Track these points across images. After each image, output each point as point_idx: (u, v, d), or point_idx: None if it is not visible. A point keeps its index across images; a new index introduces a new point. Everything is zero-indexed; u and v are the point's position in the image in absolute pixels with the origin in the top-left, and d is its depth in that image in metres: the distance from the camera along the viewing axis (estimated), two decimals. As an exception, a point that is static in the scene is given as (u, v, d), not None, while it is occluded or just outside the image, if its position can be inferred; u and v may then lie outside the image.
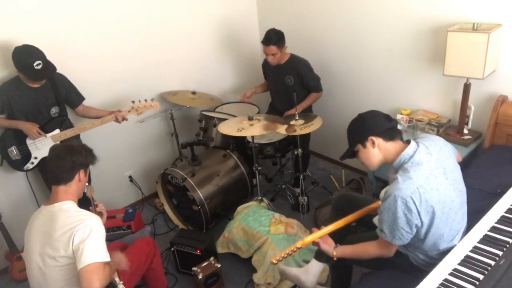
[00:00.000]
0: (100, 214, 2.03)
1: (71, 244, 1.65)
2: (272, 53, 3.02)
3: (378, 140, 1.66)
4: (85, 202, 1.94)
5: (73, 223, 1.68)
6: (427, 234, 1.64)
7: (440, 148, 1.69)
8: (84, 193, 1.98)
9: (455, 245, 1.67)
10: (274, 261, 1.84)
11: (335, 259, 1.82)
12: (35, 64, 2.36)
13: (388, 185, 1.66)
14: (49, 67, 2.45)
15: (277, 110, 3.31)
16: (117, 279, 1.91)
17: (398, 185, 1.56)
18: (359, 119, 1.74)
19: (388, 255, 1.73)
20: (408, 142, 1.67)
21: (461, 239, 1.70)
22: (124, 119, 2.77)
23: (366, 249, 1.77)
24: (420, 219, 1.57)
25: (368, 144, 1.68)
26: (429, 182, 1.57)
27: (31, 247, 1.77)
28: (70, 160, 1.81)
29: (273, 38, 2.97)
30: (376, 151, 1.68)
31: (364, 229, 2.10)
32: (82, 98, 2.78)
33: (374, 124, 1.68)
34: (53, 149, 1.85)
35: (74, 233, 1.65)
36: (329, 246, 1.83)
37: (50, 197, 1.83)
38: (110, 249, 1.79)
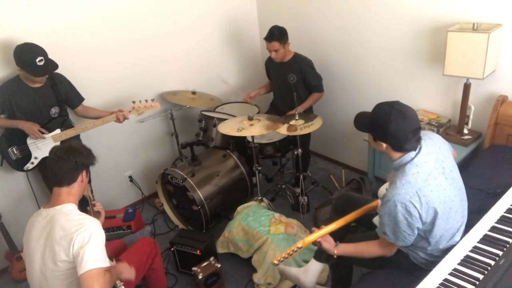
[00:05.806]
0: (98, 213, 2.03)
1: (71, 249, 1.63)
2: (274, 49, 3.03)
3: (387, 145, 1.62)
4: (82, 202, 1.94)
5: (73, 227, 1.66)
6: (428, 234, 1.65)
7: (439, 147, 1.68)
8: None
9: (456, 242, 1.67)
10: (275, 262, 1.84)
11: (335, 257, 1.82)
12: (37, 60, 2.36)
13: (387, 184, 1.65)
14: (51, 63, 2.45)
15: (278, 109, 3.31)
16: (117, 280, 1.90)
17: (397, 190, 1.56)
18: (385, 117, 1.56)
19: (389, 254, 1.73)
20: None
21: (462, 236, 1.71)
22: (125, 118, 2.78)
23: (368, 248, 1.77)
24: (422, 221, 1.57)
25: (378, 141, 1.64)
26: (428, 183, 1.57)
27: (32, 250, 1.75)
28: (73, 161, 1.77)
29: (276, 34, 2.98)
30: (382, 148, 1.65)
31: (364, 229, 2.10)
32: (81, 99, 2.78)
33: (394, 137, 1.57)
34: (53, 151, 1.81)
35: (74, 238, 1.63)
36: (330, 244, 1.82)
37: (51, 199, 1.79)
38: (108, 247, 1.78)
